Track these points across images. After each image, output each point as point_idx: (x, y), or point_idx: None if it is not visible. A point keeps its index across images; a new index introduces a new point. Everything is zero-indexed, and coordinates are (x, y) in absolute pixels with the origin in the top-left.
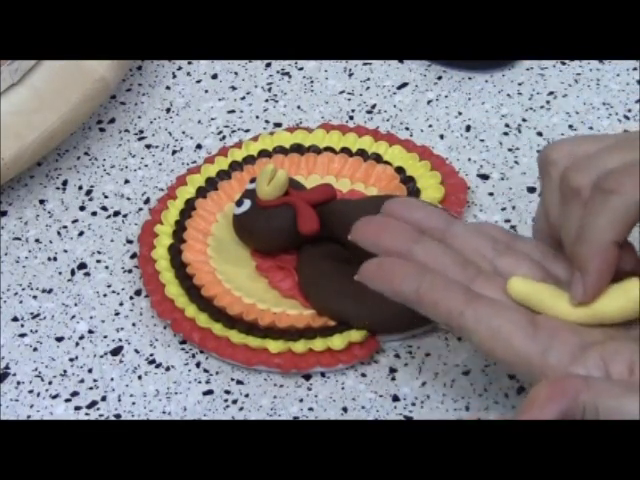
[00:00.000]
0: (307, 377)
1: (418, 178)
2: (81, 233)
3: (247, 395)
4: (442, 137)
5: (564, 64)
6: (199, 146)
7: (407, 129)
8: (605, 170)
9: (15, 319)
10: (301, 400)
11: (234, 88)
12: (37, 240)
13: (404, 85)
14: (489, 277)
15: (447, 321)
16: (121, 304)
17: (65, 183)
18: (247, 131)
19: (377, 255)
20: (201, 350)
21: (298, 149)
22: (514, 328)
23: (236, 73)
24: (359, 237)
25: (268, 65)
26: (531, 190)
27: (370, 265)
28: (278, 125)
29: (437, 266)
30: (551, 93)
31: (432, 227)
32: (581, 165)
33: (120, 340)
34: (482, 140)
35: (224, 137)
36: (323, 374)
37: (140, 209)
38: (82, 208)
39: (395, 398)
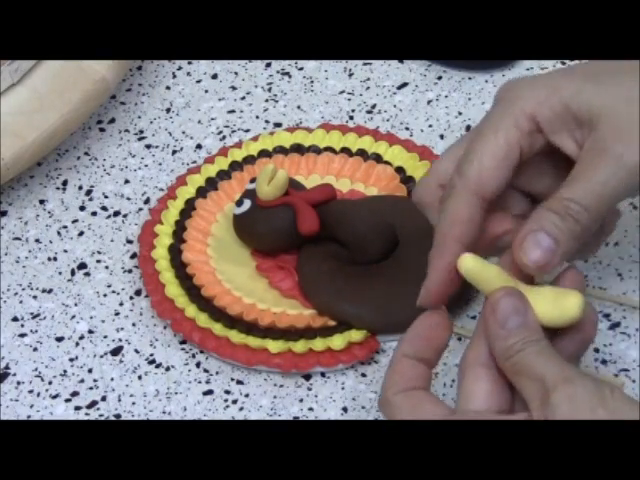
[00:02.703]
0: (307, 377)
1: (418, 178)
2: (81, 233)
3: (247, 395)
4: (442, 137)
5: (564, 64)
6: (199, 146)
7: (407, 129)
8: (443, 171)
9: (15, 319)
10: (301, 400)
11: (234, 88)
12: (37, 240)
13: (404, 85)
14: None
15: None
16: (121, 304)
17: (65, 183)
18: (247, 131)
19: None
20: (201, 350)
21: (298, 149)
22: None
23: (236, 73)
24: None
25: (268, 65)
26: None
27: None
28: (278, 125)
29: None
30: None
31: None
32: (420, 182)
33: (120, 340)
34: None
35: (224, 137)
36: (323, 374)
37: (140, 209)
38: (82, 208)
39: None
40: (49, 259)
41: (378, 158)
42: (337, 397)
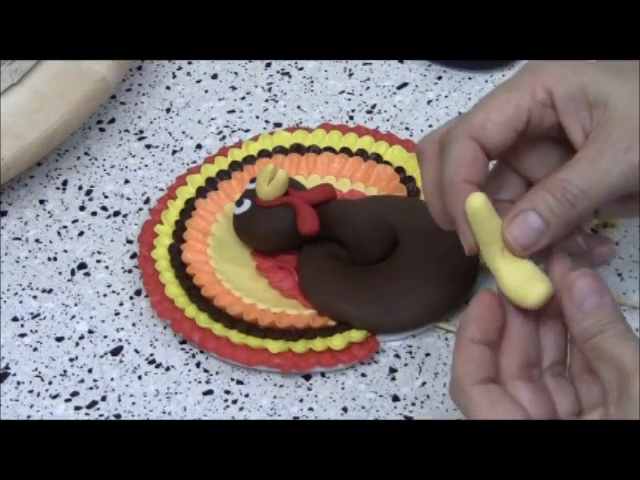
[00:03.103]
0: (307, 377)
1: (418, 178)
2: (81, 233)
3: (247, 395)
4: None
5: None
6: (199, 146)
7: (407, 129)
8: (444, 131)
9: (15, 319)
10: (301, 400)
11: (234, 88)
12: (37, 240)
13: (404, 85)
14: None
15: None
16: (121, 304)
17: (65, 183)
18: (247, 131)
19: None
20: (201, 350)
21: (298, 149)
22: None
23: (236, 73)
24: None
25: (268, 65)
26: None
27: None
28: (278, 125)
29: None
30: None
31: None
32: (427, 135)
33: (120, 340)
34: None
35: (224, 137)
36: (323, 374)
37: (140, 209)
38: (82, 208)
39: (395, 398)
40: (49, 259)
41: (378, 158)
42: (337, 397)
